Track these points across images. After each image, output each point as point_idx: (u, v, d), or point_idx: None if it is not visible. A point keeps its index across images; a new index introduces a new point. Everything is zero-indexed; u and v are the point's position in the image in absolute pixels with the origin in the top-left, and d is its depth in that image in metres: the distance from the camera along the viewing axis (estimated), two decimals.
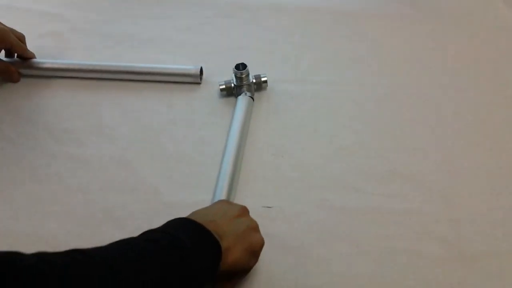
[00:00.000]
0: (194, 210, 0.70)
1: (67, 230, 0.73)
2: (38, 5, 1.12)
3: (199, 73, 0.92)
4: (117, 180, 0.79)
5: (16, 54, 0.94)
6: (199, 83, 0.93)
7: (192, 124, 0.87)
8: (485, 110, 0.87)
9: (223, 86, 0.90)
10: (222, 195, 0.73)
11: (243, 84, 0.89)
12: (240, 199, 0.75)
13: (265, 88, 0.92)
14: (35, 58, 0.95)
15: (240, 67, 0.89)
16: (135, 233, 0.72)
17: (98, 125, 0.87)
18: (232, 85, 0.90)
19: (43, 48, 1.00)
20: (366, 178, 0.78)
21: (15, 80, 0.93)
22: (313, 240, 0.71)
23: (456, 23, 1.04)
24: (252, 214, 0.65)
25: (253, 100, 0.89)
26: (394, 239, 0.71)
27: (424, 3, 1.09)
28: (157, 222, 0.73)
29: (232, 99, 0.90)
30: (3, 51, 0.92)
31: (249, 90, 0.89)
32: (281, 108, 0.89)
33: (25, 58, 0.94)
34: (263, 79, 0.90)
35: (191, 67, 0.93)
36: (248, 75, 0.89)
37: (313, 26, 1.05)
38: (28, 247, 0.70)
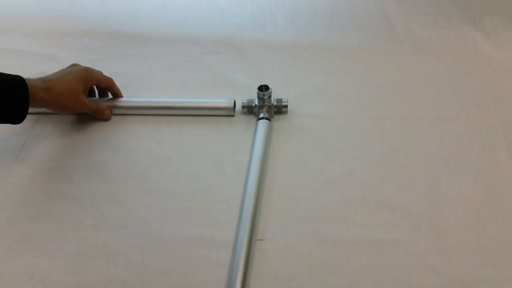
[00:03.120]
0: (187, 245, 0.71)
1: (60, 267, 0.73)
2: (28, 46, 1.14)
3: (233, 106, 0.94)
4: (109, 216, 0.79)
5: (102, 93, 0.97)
6: (232, 116, 0.95)
7: (183, 159, 0.88)
8: (468, 140, 0.90)
9: (245, 104, 0.94)
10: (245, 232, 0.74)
11: (264, 105, 0.92)
12: (230, 234, 0.76)
13: (285, 112, 0.95)
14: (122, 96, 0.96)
15: (263, 88, 0.92)
16: (128, 269, 0.73)
17: (89, 161, 0.88)
18: (254, 104, 0.93)
19: None
20: (355, 209, 0.79)
21: (107, 118, 0.94)
22: (305, 272, 0.72)
23: (437, 56, 1.08)
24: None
25: (270, 121, 0.92)
26: (384, 269, 0.72)
27: (405, 37, 1.12)
28: (149, 257, 0.74)
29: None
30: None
31: (268, 112, 0.92)
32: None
33: (114, 93, 0.96)
34: (284, 103, 0.94)
35: (224, 100, 0.95)
36: (270, 97, 0.92)
37: (298, 61, 1.08)
38: (20, 285, 0.71)
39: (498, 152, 0.87)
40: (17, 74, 0.79)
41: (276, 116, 0.95)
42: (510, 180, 0.83)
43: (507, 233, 0.76)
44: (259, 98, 0.92)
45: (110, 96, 0.97)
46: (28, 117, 0.81)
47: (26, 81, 0.78)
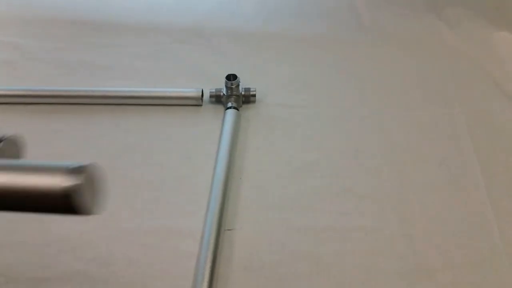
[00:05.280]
0: (154, 236, 0.70)
1: (23, 260, 0.71)
2: None
3: (200, 95, 0.93)
4: None
5: None
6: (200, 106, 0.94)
7: (150, 150, 0.87)
8: (432, 128, 0.91)
9: (213, 93, 0.93)
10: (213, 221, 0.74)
11: (232, 94, 0.92)
12: (198, 224, 0.75)
13: (253, 102, 0.95)
14: None
15: (231, 77, 0.92)
16: (94, 262, 0.72)
17: (51, 152, 0.86)
18: (222, 93, 0.93)
19: None
20: (322, 197, 0.80)
21: None
22: (274, 261, 0.72)
23: (402, 45, 1.09)
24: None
25: (238, 110, 0.91)
26: (351, 256, 0.73)
27: (371, 27, 1.13)
28: (116, 248, 0.73)
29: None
30: None
31: (236, 101, 0.92)
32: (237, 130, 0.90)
33: None
34: (252, 92, 0.94)
35: (191, 90, 0.94)
36: (238, 86, 0.92)
37: (266, 50, 1.08)
38: None
39: (461, 139, 0.89)
40: None
41: (244, 106, 0.94)
42: (473, 167, 0.84)
43: (470, 218, 0.77)
44: (227, 87, 0.92)
45: None
46: None
47: None
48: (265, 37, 1.11)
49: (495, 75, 1.02)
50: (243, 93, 0.93)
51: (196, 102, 0.93)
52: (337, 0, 1.16)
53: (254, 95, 0.94)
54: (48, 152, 0.85)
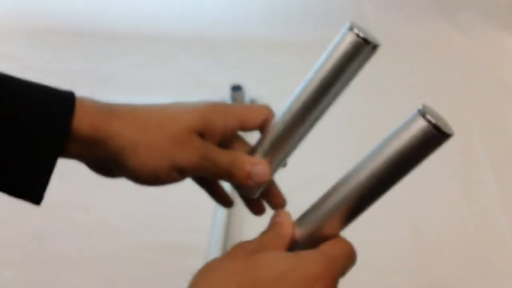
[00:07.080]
0: (159, 252, 0.68)
1: (23, 278, 0.69)
2: None
3: None
4: (74, 223, 0.75)
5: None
6: None
7: None
8: None
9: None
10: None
11: None
12: (203, 239, 0.73)
13: None
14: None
15: (236, 88, 0.90)
16: (97, 280, 0.69)
17: None
18: None
19: None
20: None
21: (262, 182, 0.40)
22: None
23: (412, 51, 1.07)
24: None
25: None
26: (363, 271, 0.69)
27: (379, 33, 1.10)
28: (119, 265, 0.71)
29: None
30: None
31: None
32: None
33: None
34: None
35: None
36: (242, 97, 0.90)
37: (272, 58, 1.06)
38: None
39: (474, 147, 0.86)
40: None
41: None
42: (487, 178, 0.82)
43: (484, 231, 0.75)
44: (232, 98, 0.89)
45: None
46: None
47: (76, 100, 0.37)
48: (271, 44, 1.09)
49: (508, 80, 1.00)
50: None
51: None
52: (343, 5, 1.14)
53: None
54: None
